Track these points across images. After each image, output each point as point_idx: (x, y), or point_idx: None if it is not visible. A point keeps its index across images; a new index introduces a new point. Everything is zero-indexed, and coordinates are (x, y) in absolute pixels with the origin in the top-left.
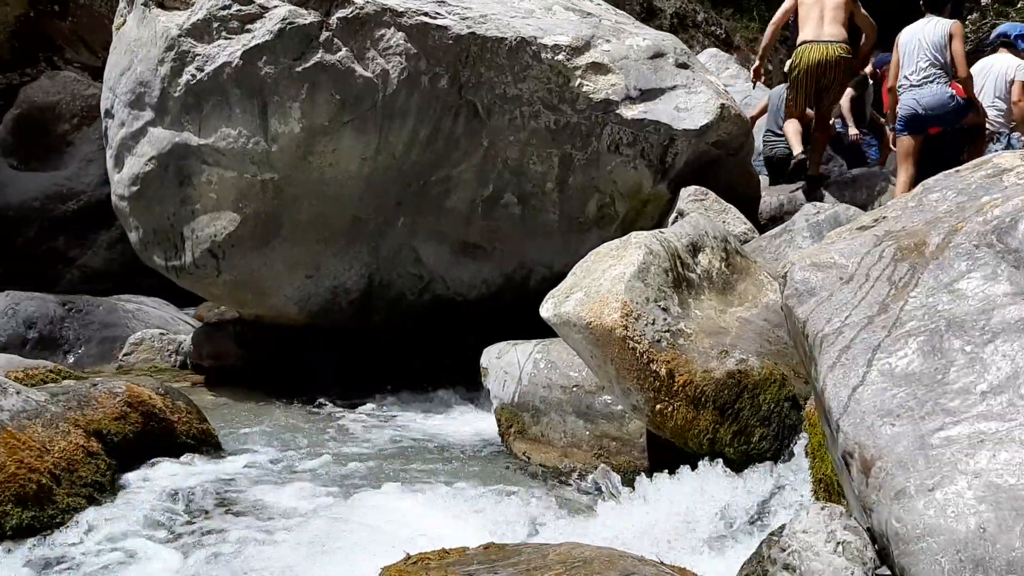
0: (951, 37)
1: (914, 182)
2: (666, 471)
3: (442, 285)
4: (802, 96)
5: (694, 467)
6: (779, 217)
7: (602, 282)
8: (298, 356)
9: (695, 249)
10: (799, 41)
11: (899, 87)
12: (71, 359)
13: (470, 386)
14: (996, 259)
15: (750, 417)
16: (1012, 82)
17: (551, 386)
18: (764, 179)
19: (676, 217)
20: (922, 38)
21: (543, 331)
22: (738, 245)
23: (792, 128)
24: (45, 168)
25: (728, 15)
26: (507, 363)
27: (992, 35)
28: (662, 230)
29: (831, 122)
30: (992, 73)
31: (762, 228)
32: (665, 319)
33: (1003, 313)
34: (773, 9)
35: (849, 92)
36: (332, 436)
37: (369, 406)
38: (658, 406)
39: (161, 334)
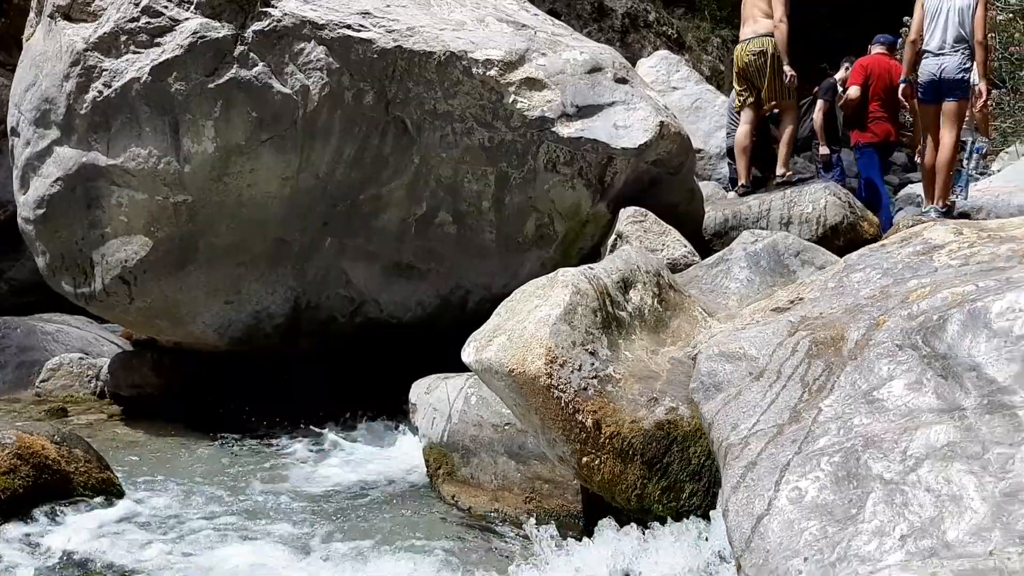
0: (977, 3)
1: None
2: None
3: (375, 307)
4: (738, 94)
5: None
6: (724, 233)
7: (526, 325)
8: (221, 385)
9: (626, 285)
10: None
11: (922, 53)
12: None
13: (405, 416)
14: (922, 365)
15: (680, 472)
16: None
17: (482, 424)
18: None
19: (616, 240)
20: (952, 5)
21: None
22: (672, 279)
23: (739, 150)
24: None
25: (680, 15)
26: (436, 399)
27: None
28: (591, 266)
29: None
30: None
31: (706, 243)
32: (593, 364)
33: (928, 435)
34: (725, 8)
35: (821, 106)
36: (248, 479)
37: (294, 440)
38: (584, 459)
39: (80, 358)
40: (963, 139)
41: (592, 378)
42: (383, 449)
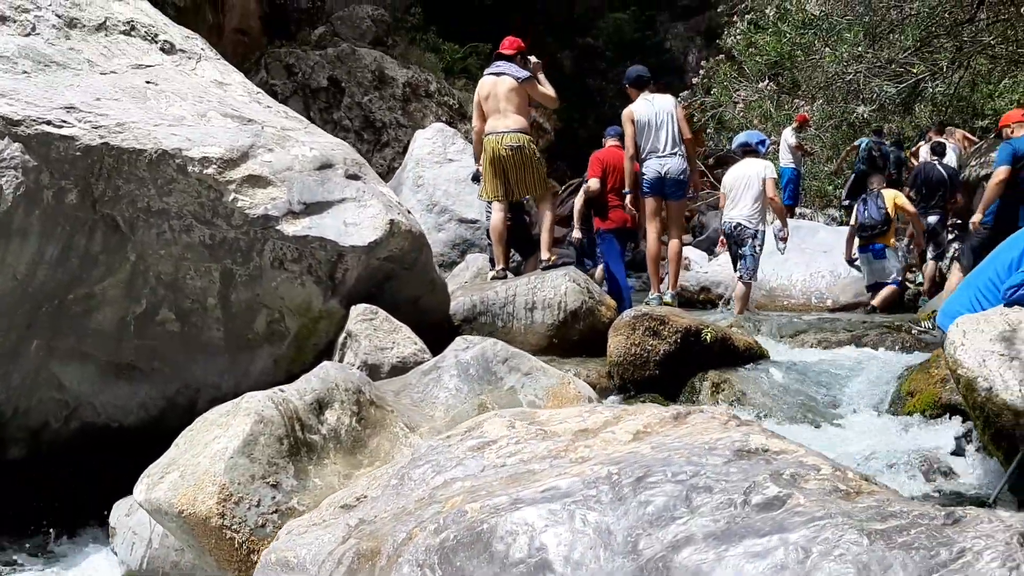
0: (676, 107)
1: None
2: None
3: (91, 411)
4: (491, 185)
5: None
6: (473, 318)
7: (200, 460)
8: None
9: (322, 406)
10: (485, 132)
11: (645, 156)
12: None
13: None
14: None
15: None
16: (764, 181)
17: (184, 549)
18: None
19: (346, 338)
20: (659, 113)
21: None
22: (376, 393)
23: (495, 237)
24: None
25: (461, 86)
26: (136, 522)
27: (734, 145)
28: (283, 388)
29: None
30: (744, 178)
31: (456, 329)
32: (274, 497)
33: None
34: None
35: (582, 196)
36: None
37: None
38: None
39: None
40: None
41: (272, 513)
42: (87, 573)
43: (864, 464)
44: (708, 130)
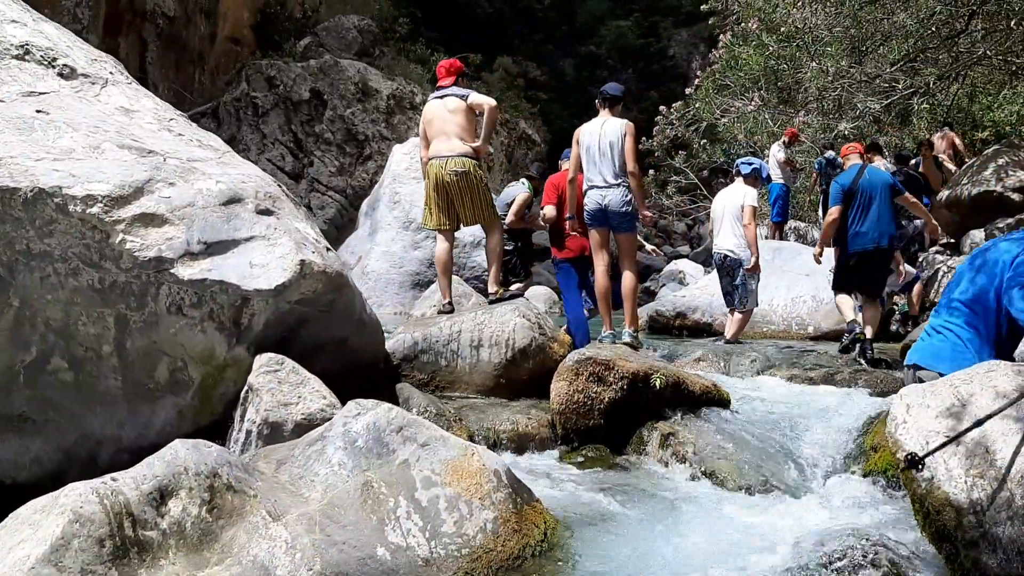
0: (625, 135)
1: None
2: None
3: None
4: (435, 213)
5: None
6: (414, 356)
7: (1, 570)
8: None
9: (164, 495)
10: (428, 156)
11: (588, 186)
12: None
13: None
14: None
15: None
16: (743, 208)
17: None
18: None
19: (247, 392)
20: (603, 140)
21: None
22: (235, 476)
23: (440, 268)
24: None
25: None
26: None
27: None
28: (116, 476)
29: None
30: (724, 206)
31: (395, 368)
32: None
33: None
34: (493, 91)
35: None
36: None
37: None
38: None
39: None
40: (738, 255)
41: None
42: None
43: (793, 550)
44: (702, 142)
